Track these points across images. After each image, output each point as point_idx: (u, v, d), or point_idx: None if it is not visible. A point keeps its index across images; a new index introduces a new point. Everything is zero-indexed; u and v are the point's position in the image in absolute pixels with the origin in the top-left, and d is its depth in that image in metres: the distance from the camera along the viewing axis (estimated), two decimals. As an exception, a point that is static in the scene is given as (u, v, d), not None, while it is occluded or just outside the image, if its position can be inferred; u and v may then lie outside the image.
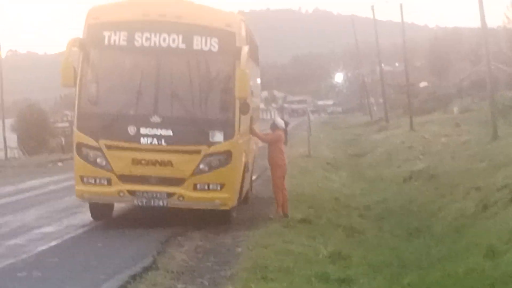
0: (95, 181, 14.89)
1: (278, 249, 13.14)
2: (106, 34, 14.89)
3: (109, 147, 14.74)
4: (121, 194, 14.87)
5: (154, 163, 14.68)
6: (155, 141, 14.65)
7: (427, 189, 22.79)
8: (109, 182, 14.83)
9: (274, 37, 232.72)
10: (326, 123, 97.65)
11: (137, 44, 14.87)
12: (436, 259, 13.79)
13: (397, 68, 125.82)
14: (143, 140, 14.66)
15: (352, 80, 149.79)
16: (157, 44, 14.83)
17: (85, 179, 14.97)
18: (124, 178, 14.80)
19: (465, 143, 30.49)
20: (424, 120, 53.26)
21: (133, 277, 11.11)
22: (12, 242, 14.20)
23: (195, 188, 14.77)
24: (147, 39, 14.84)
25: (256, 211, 18.10)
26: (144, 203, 14.92)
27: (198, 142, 14.71)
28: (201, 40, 14.81)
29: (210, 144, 14.70)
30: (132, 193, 14.84)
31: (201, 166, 14.73)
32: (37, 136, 70.75)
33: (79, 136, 15.00)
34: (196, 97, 15.15)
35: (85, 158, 14.91)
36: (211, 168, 14.76)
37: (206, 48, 14.82)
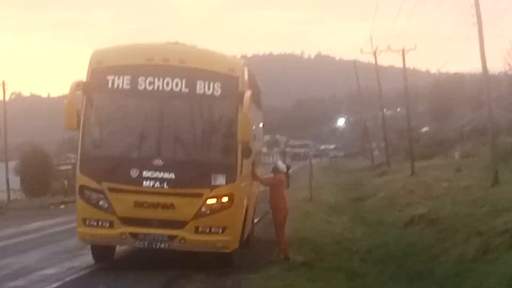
0: (97, 223, 14.93)
1: (279, 292, 13.15)
2: (110, 78, 15.04)
3: (111, 190, 14.80)
4: (123, 237, 14.90)
5: (156, 205, 14.73)
6: (157, 184, 14.70)
7: (428, 234, 22.78)
8: (111, 225, 14.87)
9: (276, 81, 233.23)
10: (328, 167, 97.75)
11: (140, 88, 14.99)
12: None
13: (399, 113, 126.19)
14: (145, 183, 14.72)
15: (354, 125, 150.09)
16: (161, 88, 14.96)
17: (87, 222, 15.00)
18: (126, 221, 14.84)
19: (466, 188, 30.49)
20: (425, 165, 53.30)
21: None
22: (14, 284, 14.22)
23: (196, 231, 14.80)
24: (150, 83, 14.98)
25: (258, 254, 18.12)
26: (146, 245, 14.94)
27: (200, 185, 14.77)
28: (204, 84, 14.95)
29: (212, 187, 14.76)
30: (134, 235, 14.86)
31: (203, 209, 14.77)
32: (40, 178, 70.66)
33: (81, 179, 15.07)
34: (198, 141, 15.27)
35: (88, 200, 14.97)
36: (213, 211, 14.79)
37: (209, 92, 14.95)
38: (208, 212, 14.77)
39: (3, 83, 63.58)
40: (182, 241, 14.79)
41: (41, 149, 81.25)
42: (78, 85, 14.98)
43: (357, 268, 17.66)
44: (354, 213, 33.88)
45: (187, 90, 14.97)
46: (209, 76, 15.01)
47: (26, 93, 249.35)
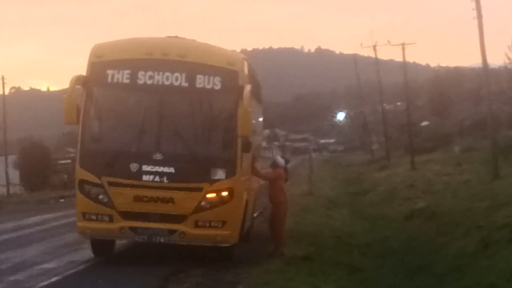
0: (96, 217, 14.91)
1: (279, 286, 13.16)
2: (110, 72, 15.00)
3: (111, 184, 14.77)
4: (123, 231, 14.89)
5: (156, 200, 14.71)
6: (157, 178, 14.68)
7: (428, 228, 22.82)
8: (111, 219, 14.85)
9: (276, 75, 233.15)
10: (327, 162, 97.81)
11: (140, 82, 14.96)
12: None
13: (399, 107, 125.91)
14: (145, 177, 14.69)
15: (354, 119, 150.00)
16: (160, 82, 14.93)
17: (87, 216, 14.99)
18: (125, 215, 14.82)
19: (466, 182, 30.52)
20: (425, 159, 53.33)
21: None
22: (13, 278, 14.21)
23: (196, 225, 14.79)
24: (150, 77, 14.95)
25: (257, 248, 18.11)
26: (146, 239, 14.94)
27: (200, 180, 14.75)
28: (204, 78, 14.92)
29: (212, 181, 14.75)
30: (133, 229, 14.85)
31: (203, 203, 14.75)
32: (39, 172, 70.84)
33: (81, 173, 15.05)
34: (198, 135, 15.23)
35: (87, 194, 14.95)
36: (212, 205, 14.78)
37: (208, 87, 14.93)
38: (208, 206, 14.75)
39: (3, 78, 63.76)
40: (182, 235, 14.78)
41: (40, 143, 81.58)
42: (78, 79, 14.94)
43: (357, 262, 17.67)
44: (354, 207, 33.92)
45: (186, 84, 14.94)
46: (209, 70, 14.98)
47: (25, 87, 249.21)
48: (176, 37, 16.34)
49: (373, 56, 68.97)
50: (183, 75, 14.93)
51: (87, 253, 16.49)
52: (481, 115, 67.56)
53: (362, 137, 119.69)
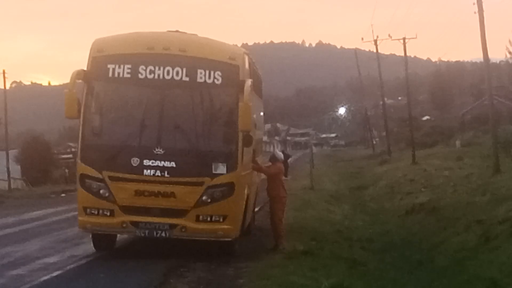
0: (98, 212, 14.92)
1: (280, 281, 13.15)
2: (110, 66, 14.98)
3: (112, 179, 14.78)
4: (124, 225, 14.89)
5: (157, 194, 14.72)
6: (158, 173, 14.68)
7: (429, 222, 22.81)
8: (112, 213, 14.86)
9: (277, 70, 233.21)
10: (328, 156, 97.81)
11: (141, 77, 14.94)
12: (438, 291, 13.79)
13: (400, 101, 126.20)
14: (146, 172, 14.69)
15: (355, 114, 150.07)
16: (161, 77, 14.91)
17: (88, 210, 14.99)
18: (127, 209, 14.83)
19: (467, 177, 30.51)
20: (426, 154, 53.33)
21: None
22: (15, 272, 14.22)
23: (197, 219, 14.80)
24: (151, 72, 14.93)
25: (258, 242, 18.13)
26: (147, 234, 14.94)
27: (201, 174, 14.75)
28: (205, 73, 14.91)
29: (213, 176, 14.74)
30: (134, 224, 14.86)
31: (204, 197, 14.75)
32: (40, 167, 70.90)
33: (82, 168, 15.05)
34: (199, 129, 15.21)
35: (88, 189, 14.95)
36: (213, 199, 14.77)
37: (209, 81, 14.92)
38: (209, 200, 14.75)
39: (4, 72, 63.57)
40: (183, 230, 14.79)
41: (41, 138, 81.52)
42: (79, 74, 14.92)
43: (358, 257, 17.66)
44: (355, 202, 33.94)
45: (187, 78, 14.93)
46: (210, 64, 14.97)
47: (26, 81, 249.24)
48: (177, 31, 16.34)
49: (374, 50, 68.95)
50: (184, 69, 14.92)
51: (88, 247, 16.51)
52: (482, 109, 67.54)
53: (363, 132, 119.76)
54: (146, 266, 14.58)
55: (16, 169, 68.43)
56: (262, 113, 21.89)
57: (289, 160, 46.51)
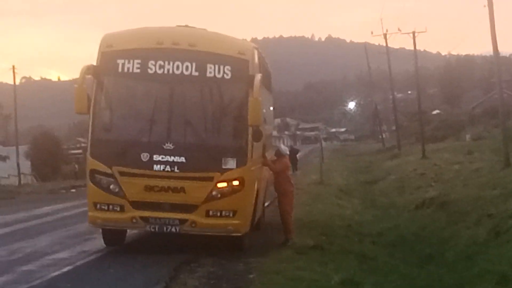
0: (108, 207, 14.92)
1: (290, 275, 13.15)
2: (120, 61, 14.96)
3: (122, 174, 14.77)
4: (134, 221, 14.89)
5: (167, 189, 14.70)
6: (168, 168, 14.66)
7: (439, 216, 22.78)
8: (122, 209, 14.86)
9: (287, 64, 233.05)
10: (338, 150, 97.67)
11: (150, 71, 14.93)
12: (448, 286, 13.77)
13: (409, 95, 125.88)
14: (156, 167, 14.68)
15: (364, 108, 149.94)
16: (171, 71, 14.89)
17: (98, 206, 15.00)
18: (137, 205, 14.83)
19: (477, 171, 30.44)
20: (436, 148, 53.26)
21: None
22: (25, 268, 14.25)
23: (207, 214, 14.78)
24: (160, 66, 14.92)
25: (268, 237, 18.12)
26: (157, 229, 14.93)
27: (211, 169, 14.73)
28: (214, 68, 14.88)
29: (223, 171, 14.73)
30: (144, 219, 14.85)
31: (214, 192, 14.73)
32: (50, 162, 71.06)
33: (92, 163, 15.06)
34: (209, 124, 15.20)
35: (98, 184, 14.95)
36: (223, 194, 14.76)
37: (219, 76, 14.89)
38: (218, 195, 14.74)
39: (13, 67, 63.74)
40: (193, 225, 14.78)
41: (51, 133, 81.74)
42: (88, 69, 14.91)
43: (367, 251, 17.66)
44: (365, 196, 33.91)
45: (197, 73, 14.90)
46: (219, 59, 14.94)
47: (36, 77, 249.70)
48: (186, 26, 16.33)
49: (384, 44, 68.78)
50: (193, 64, 14.89)
51: (98, 243, 16.53)
52: (492, 103, 67.43)
53: (373, 126, 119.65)
54: (156, 261, 14.58)
55: (26, 165, 68.61)
56: (271, 108, 21.86)
57: (297, 155, 46.50)
